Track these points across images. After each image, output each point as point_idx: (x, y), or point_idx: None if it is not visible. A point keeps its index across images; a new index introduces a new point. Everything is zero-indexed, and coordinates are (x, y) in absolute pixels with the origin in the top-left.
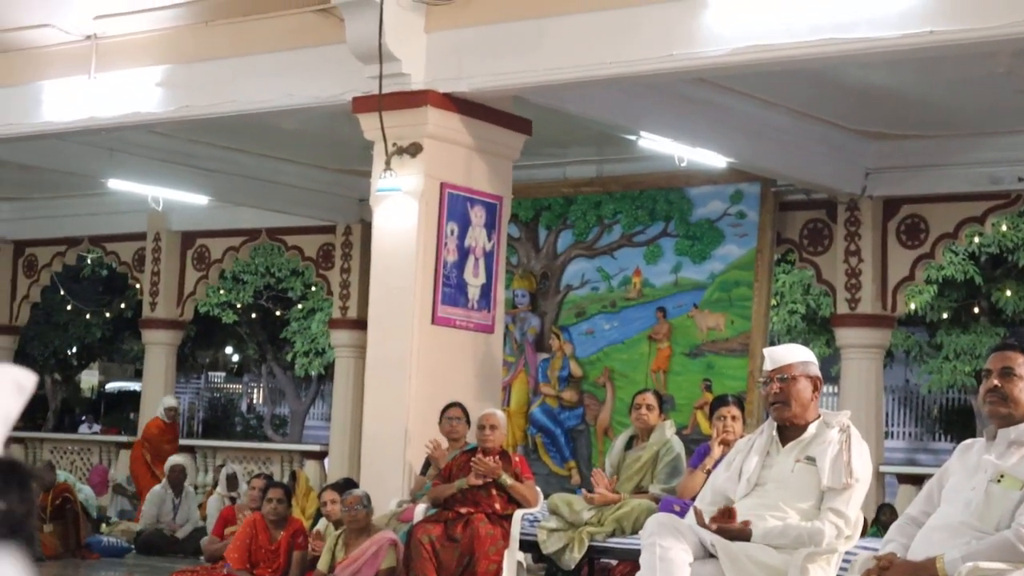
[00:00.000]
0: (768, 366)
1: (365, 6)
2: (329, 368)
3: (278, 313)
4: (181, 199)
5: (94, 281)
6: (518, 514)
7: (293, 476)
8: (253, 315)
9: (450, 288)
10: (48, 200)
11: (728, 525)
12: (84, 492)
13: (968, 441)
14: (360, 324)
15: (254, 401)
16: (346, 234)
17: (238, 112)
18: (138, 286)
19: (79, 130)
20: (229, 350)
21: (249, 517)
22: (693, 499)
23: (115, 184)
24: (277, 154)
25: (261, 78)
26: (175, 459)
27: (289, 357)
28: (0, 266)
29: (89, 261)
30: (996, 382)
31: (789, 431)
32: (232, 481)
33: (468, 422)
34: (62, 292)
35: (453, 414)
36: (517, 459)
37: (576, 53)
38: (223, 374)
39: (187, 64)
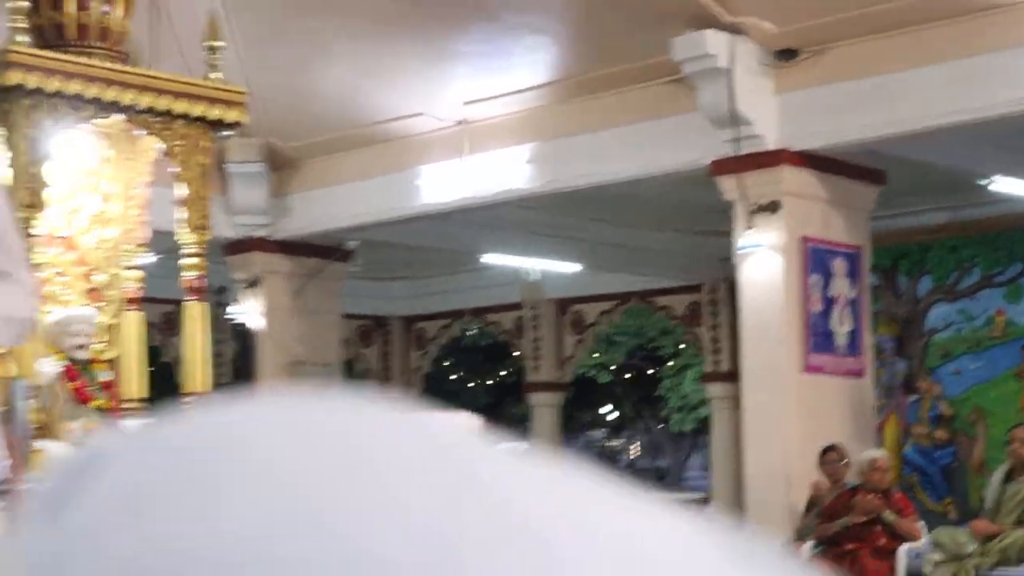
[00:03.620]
0: None
1: (715, 74)
2: (703, 422)
3: (649, 372)
4: (553, 268)
5: (474, 350)
6: (903, 548)
7: None
8: (626, 375)
9: (818, 337)
10: (434, 277)
11: None
12: None
13: None
14: (732, 376)
15: (633, 456)
16: (712, 292)
17: (601, 183)
18: (517, 353)
19: (455, 209)
20: (605, 409)
21: None
22: None
23: (490, 258)
24: (637, 221)
25: (620, 149)
26: None
27: (663, 413)
28: (395, 341)
29: (472, 332)
30: None
31: None
32: None
33: (847, 463)
34: (447, 363)
35: (833, 457)
36: (898, 495)
37: (926, 104)
38: (602, 431)
39: (551, 140)
